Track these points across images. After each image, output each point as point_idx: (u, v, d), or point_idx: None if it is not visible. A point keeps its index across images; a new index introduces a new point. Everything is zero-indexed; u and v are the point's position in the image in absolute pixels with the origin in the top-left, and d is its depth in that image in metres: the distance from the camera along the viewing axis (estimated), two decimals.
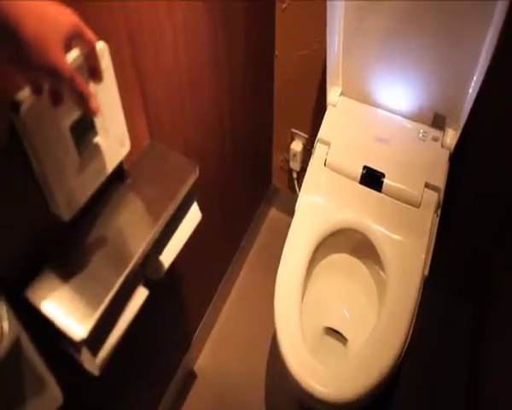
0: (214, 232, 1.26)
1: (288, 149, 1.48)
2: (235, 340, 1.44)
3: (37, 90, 0.47)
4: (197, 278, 1.23)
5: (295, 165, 1.49)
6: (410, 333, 0.97)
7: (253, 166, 1.46)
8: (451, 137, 1.08)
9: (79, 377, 0.67)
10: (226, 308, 1.50)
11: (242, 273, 1.58)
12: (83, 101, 0.45)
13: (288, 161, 1.52)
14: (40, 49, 0.39)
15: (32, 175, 0.52)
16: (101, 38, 0.58)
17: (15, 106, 0.47)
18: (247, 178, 1.42)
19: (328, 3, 0.99)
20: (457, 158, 1.10)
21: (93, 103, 0.46)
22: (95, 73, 0.50)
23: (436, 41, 0.96)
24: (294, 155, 1.47)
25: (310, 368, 0.89)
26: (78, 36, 0.44)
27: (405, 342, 0.94)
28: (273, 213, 1.72)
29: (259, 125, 1.41)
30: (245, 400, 1.33)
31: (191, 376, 1.35)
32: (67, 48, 0.44)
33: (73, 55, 0.49)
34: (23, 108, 0.47)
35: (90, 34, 0.46)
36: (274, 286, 1.04)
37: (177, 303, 1.15)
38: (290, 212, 1.63)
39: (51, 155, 0.52)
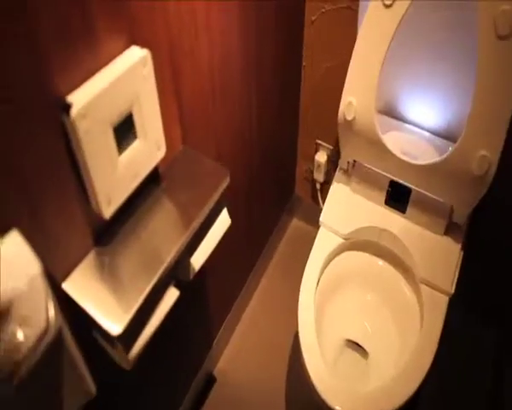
0: (238, 238, 1.27)
1: (312, 159, 1.49)
2: (255, 346, 1.45)
3: None
4: (220, 283, 1.25)
5: (319, 176, 1.50)
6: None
7: (278, 175, 1.47)
8: None
9: (109, 370, 0.69)
10: (247, 314, 1.52)
11: (263, 280, 1.59)
12: None
13: (311, 172, 1.53)
14: None
15: (77, 173, 0.55)
16: (145, 45, 0.61)
17: (66, 107, 0.50)
18: (271, 186, 1.43)
19: (361, 7, 1.01)
20: None
21: None
22: None
23: (473, 58, 0.92)
24: (318, 166, 1.48)
25: (335, 391, 0.91)
26: None
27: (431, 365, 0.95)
28: (295, 222, 1.73)
29: (285, 135, 1.42)
30: (264, 406, 1.33)
31: (211, 379, 1.37)
32: None
33: None
34: (73, 110, 0.50)
35: None
36: (294, 294, 1.06)
37: (201, 306, 1.17)
38: (312, 222, 1.64)
39: (96, 155, 0.54)
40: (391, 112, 1.16)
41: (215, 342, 1.34)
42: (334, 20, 1.18)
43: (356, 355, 1.12)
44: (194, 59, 0.77)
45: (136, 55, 0.58)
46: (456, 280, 1.04)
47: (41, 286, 0.47)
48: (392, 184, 1.12)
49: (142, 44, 0.61)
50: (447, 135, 1.10)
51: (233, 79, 0.95)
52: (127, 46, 0.60)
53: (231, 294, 1.40)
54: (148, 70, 0.60)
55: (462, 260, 1.07)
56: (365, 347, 1.11)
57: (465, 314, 1.42)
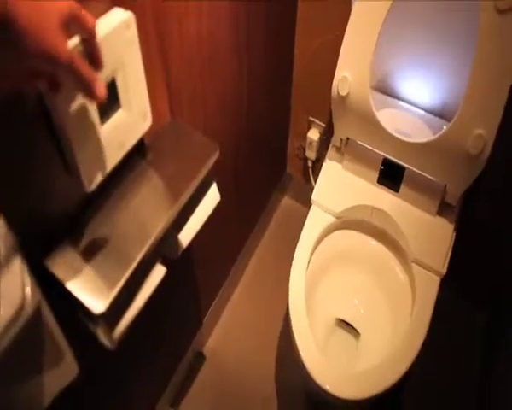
0: (228, 216, 1.25)
1: (304, 136, 1.47)
2: (245, 324, 1.45)
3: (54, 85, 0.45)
4: (209, 261, 1.23)
5: (311, 153, 1.47)
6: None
7: (269, 152, 1.45)
8: None
9: (93, 350, 0.67)
10: (237, 292, 1.51)
11: (253, 259, 1.58)
12: (85, 86, 0.43)
13: (303, 149, 1.51)
14: (36, 36, 0.38)
15: (58, 143, 0.52)
16: (128, 8, 0.57)
17: None
18: (262, 163, 1.41)
19: None
20: None
21: (97, 88, 0.43)
22: (93, 60, 0.47)
23: (471, 36, 0.88)
24: (310, 143, 1.45)
25: (325, 371, 0.90)
26: (74, 19, 0.42)
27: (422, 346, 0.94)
28: (286, 200, 1.71)
29: (277, 111, 1.39)
30: (253, 385, 1.33)
31: (200, 357, 1.36)
32: (68, 32, 0.42)
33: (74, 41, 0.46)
34: None
35: (87, 18, 0.43)
36: (285, 271, 1.04)
37: (189, 284, 1.15)
38: (303, 200, 1.62)
39: (75, 123, 0.51)
40: (385, 89, 1.13)
41: (205, 320, 1.33)
42: None
43: (347, 335, 1.12)
44: (182, 28, 0.74)
45: (119, 17, 0.54)
46: (448, 261, 1.03)
47: (17, 262, 0.44)
48: (386, 162, 1.10)
49: (127, 7, 0.57)
50: (442, 113, 1.08)
51: (223, 52, 0.91)
52: (109, 8, 0.56)
53: (221, 272, 1.39)
54: (132, 34, 0.56)
55: (455, 241, 1.06)
56: (356, 327, 1.11)
57: (457, 295, 1.42)
